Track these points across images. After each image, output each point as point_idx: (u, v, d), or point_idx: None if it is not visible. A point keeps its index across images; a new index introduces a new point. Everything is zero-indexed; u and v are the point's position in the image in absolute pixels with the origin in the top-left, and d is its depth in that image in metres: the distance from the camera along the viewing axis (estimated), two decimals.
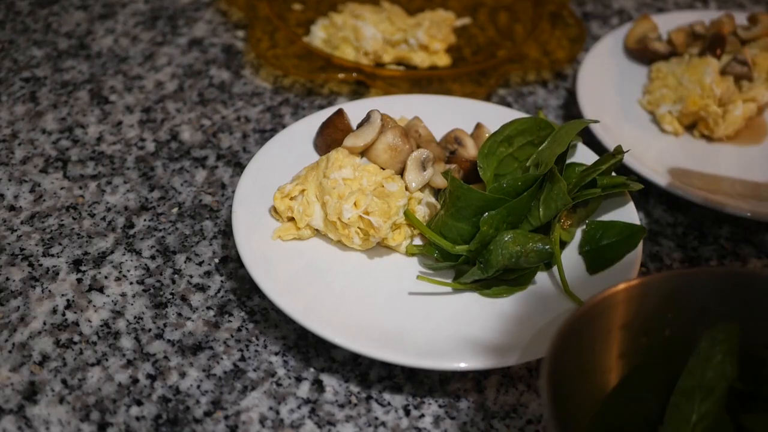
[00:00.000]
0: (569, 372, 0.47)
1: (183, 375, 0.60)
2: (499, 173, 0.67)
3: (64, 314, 0.63)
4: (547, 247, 0.61)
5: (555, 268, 0.64)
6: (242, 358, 0.61)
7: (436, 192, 0.69)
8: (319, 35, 0.89)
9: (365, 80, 0.83)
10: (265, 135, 0.79)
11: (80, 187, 0.73)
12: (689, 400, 0.50)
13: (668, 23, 0.90)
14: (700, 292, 0.51)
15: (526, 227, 0.63)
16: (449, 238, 0.64)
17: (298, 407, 0.59)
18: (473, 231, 0.63)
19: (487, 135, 0.69)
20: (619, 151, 0.66)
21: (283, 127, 0.80)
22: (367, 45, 0.86)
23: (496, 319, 0.61)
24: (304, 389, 0.60)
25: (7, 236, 0.69)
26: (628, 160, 0.73)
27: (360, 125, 0.69)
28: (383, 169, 0.67)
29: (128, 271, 0.66)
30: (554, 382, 0.45)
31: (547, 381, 0.44)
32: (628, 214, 0.67)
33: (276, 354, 0.62)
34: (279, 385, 0.60)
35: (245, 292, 0.66)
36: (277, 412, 0.58)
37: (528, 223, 0.63)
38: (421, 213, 0.67)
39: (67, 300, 0.64)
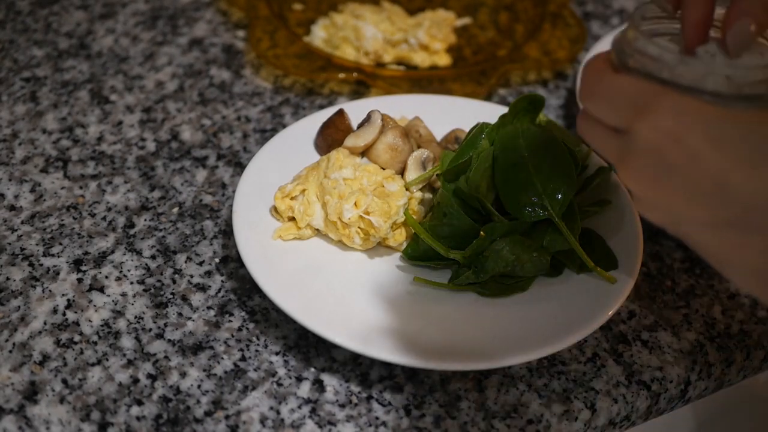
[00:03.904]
0: None
1: (183, 375, 0.60)
2: None
3: (64, 314, 0.63)
4: (543, 259, 0.61)
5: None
6: (243, 358, 0.61)
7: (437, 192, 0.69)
8: (319, 35, 0.89)
9: (366, 80, 0.83)
10: (265, 135, 0.79)
11: (81, 187, 0.73)
12: None
13: None
14: None
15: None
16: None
17: (299, 407, 0.59)
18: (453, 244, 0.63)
19: None
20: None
21: (284, 126, 0.80)
22: (367, 45, 0.86)
23: (497, 318, 0.61)
24: (305, 389, 0.60)
25: (7, 236, 0.69)
26: None
27: (360, 125, 0.69)
28: (384, 169, 0.67)
29: (129, 270, 0.67)
30: None
31: None
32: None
33: (276, 354, 0.62)
34: (279, 384, 0.60)
35: (246, 291, 0.66)
36: (278, 412, 0.58)
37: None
38: (421, 213, 0.67)
39: (68, 300, 0.64)
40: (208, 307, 0.64)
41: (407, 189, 0.67)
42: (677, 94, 0.43)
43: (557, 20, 0.90)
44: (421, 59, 0.88)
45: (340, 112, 0.72)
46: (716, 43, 0.48)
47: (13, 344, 0.61)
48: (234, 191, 0.69)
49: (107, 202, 0.72)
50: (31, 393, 0.58)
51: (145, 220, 0.71)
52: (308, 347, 0.62)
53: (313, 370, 0.61)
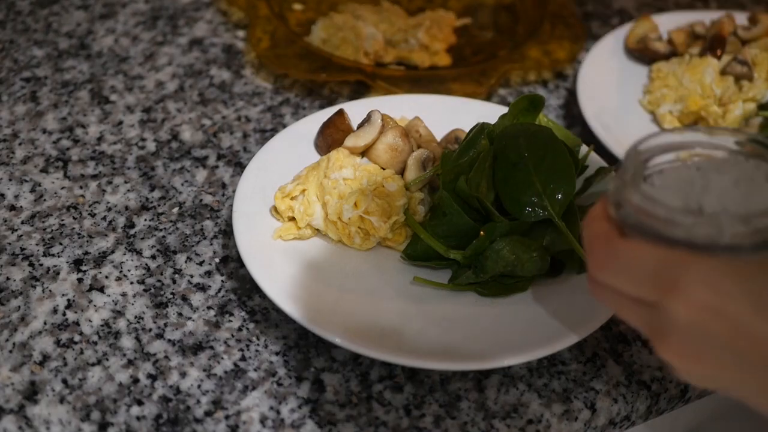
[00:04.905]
0: None
1: (183, 375, 0.60)
2: None
3: (64, 314, 0.63)
4: (543, 259, 0.61)
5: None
6: (243, 358, 0.61)
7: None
8: (319, 35, 0.89)
9: (366, 80, 0.83)
10: (265, 135, 0.79)
11: (81, 187, 0.73)
12: None
13: (668, 23, 0.90)
14: None
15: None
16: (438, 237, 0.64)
17: (299, 407, 0.59)
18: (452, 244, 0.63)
19: None
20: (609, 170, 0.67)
21: (284, 126, 0.80)
22: (367, 45, 0.86)
23: (496, 318, 0.61)
24: (305, 389, 0.60)
25: (7, 236, 0.69)
26: None
27: (360, 125, 0.69)
28: (384, 169, 0.67)
29: (129, 270, 0.67)
30: None
31: None
32: None
33: (276, 354, 0.62)
34: (280, 384, 0.60)
35: (246, 291, 0.66)
36: (278, 412, 0.58)
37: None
38: (422, 213, 0.67)
39: (68, 300, 0.64)
40: (208, 307, 0.64)
41: (407, 189, 0.67)
42: (703, 261, 0.40)
43: (557, 20, 0.90)
44: (421, 59, 0.88)
45: (340, 112, 0.72)
46: (718, 187, 0.43)
47: (13, 344, 0.61)
48: (234, 191, 0.69)
49: (107, 202, 0.72)
50: (31, 393, 0.58)
51: (145, 220, 0.71)
52: (308, 347, 0.62)
53: (313, 370, 0.61)
